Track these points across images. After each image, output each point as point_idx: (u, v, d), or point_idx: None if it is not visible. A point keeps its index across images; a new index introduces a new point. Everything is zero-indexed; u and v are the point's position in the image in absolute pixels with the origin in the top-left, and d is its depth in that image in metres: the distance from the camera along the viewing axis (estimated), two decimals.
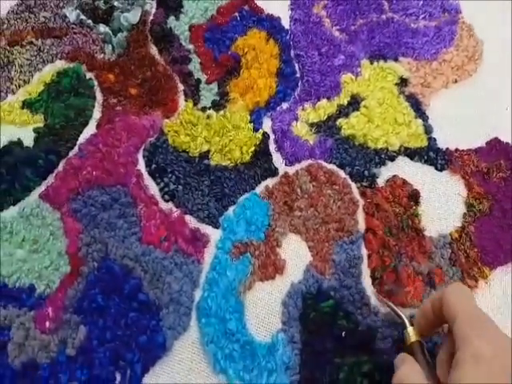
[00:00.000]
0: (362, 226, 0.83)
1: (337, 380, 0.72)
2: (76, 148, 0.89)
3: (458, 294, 0.63)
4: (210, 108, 0.95)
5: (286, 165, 0.90)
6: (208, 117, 0.93)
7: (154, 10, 1.06)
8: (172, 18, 1.05)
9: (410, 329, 0.70)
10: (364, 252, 0.81)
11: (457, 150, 0.92)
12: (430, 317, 0.67)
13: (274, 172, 0.89)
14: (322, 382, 0.72)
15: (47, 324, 0.74)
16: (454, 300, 0.62)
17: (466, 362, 0.54)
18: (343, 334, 0.74)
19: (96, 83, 0.96)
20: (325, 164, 0.89)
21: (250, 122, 0.93)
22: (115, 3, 1.04)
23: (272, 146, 0.92)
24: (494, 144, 0.93)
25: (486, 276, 0.80)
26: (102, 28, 1.02)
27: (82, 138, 0.90)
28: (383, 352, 0.73)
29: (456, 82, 1.00)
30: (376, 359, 0.73)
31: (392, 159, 0.90)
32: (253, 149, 0.90)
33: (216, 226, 0.83)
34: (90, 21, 1.03)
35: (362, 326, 0.75)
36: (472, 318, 0.59)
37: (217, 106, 0.96)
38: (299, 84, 0.99)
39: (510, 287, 0.81)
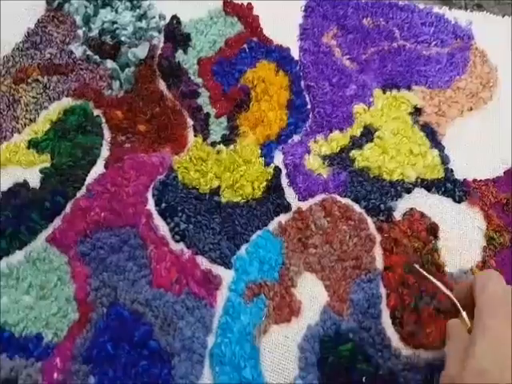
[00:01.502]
0: (379, 263, 0.81)
1: None
2: (84, 188, 0.87)
3: (486, 279, 0.63)
4: (219, 143, 0.93)
5: (299, 200, 0.88)
6: (218, 152, 0.91)
7: (161, 45, 1.05)
8: (180, 51, 1.04)
9: (465, 313, 0.67)
10: (383, 291, 0.78)
11: (475, 180, 0.90)
12: (462, 302, 0.66)
13: (286, 208, 0.87)
14: None
15: (55, 375, 0.71)
16: (481, 284, 0.62)
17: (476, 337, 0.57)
18: (364, 379, 0.70)
19: (104, 120, 0.95)
20: (339, 198, 0.87)
21: (261, 156, 0.91)
22: (122, 38, 1.03)
23: (284, 181, 0.90)
24: None
25: None
26: (110, 64, 1.01)
27: (89, 178, 0.88)
28: None
29: (471, 109, 0.98)
30: None
31: (408, 191, 0.88)
32: (264, 184, 0.88)
33: (228, 266, 0.81)
34: (96, 56, 1.02)
35: (382, 370, 0.72)
36: (490, 300, 0.60)
37: (227, 140, 0.94)
38: (310, 116, 0.97)
39: None
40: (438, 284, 0.73)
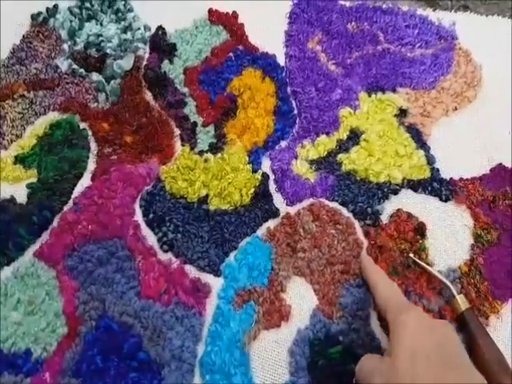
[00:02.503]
0: None
1: None
2: (71, 202, 0.87)
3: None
4: (207, 151, 0.93)
5: (287, 205, 0.88)
6: (206, 160, 0.91)
7: (147, 55, 1.05)
8: (166, 61, 1.04)
9: (460, 296, 0.72)
10: (370, 295, 0.77)
11: (461, 179, 0.90)
12: None
13: (275, 213, 0.87)
14: None
15: None
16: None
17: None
18: (354, 380, 0.69)
19: (90, 133, 0.95)
20: (327, 202, 0.87)
21: (249, 162, 0.92)
22: (108, 51, 1.04)
23: (272, 187, 0.90)
24: (499, 171, 0.91)
25: (497, 311, 0.77)
26: (95, 76, 1.01)
27: (76, 191, 0.88)
28: None
29: (456, 109, 0.99)
30: None
31: (395, 193, 0.88)
32: (252, 190, 0.88)
33: (217, 274, 0.81)
34: (82, 70, 1.02)
35: None
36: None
37: (214, 148, 0.94)
38: (297, 121, 0.98)
39: None
40: (433, 271, 0.77)
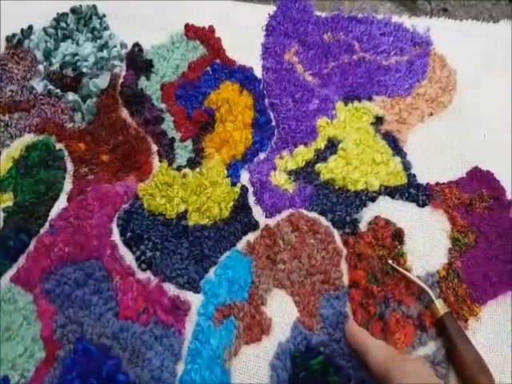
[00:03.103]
0: (346, 278, 0.81)
1: None
2: (47, 224, 0.86)
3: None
4: (185, 166, 0.93)
5: (266, 217, 0.88)
6: (184, 176, 0.91)
7: (123, 73, 1.05)
8: (143, 78, 1.04)
9: (438, 301, 0.74)
10: (348, 308, 0.78)
11: (437, 183, 0.90)
12: None
13: (254, 226, 0.86)
14: None
15: None
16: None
17: None
18: None
19: (66, 153, 0.95)
20: (306, 212, 0.87)
21: (228, 176, 0.91)
22: (84, 69, 1.04)
23: (251, 199, 0.90)
24: (475, 173, 0.91)
25: (476, 313, 0.78)
26: (71, 96, 1.01)
27: (53, 213, 0.88)
28: None
29: (432, 114, 0.99)
30: None
31: (373, 200, 0.89)
32: (232, 204, 0.88)
33: (197, 290, 0.81)
34: (58, 90, 1.02)
35: (354, 380, 0.72)
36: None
37: (192, 163, 0.94)
38: (275, 132, 0.98)
39: (502, 323, 0.79)
40: (412, 277, 0.77)
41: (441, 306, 0.74)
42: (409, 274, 0.78)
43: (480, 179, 0.90)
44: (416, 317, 0.76)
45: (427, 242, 0.85)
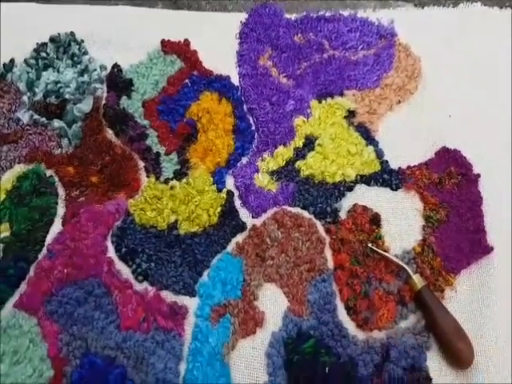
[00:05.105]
0: (330, 263, 0.87)
1: None
2: (44, 249, 0.90)
3: None
4: (172, 178, 0.98)
5: (252, 217, 0.93)
6: (172, 187, 0.96)
7: (105, 94, 1.09)
8: (124, 97, 1.09)
9: (415, 276, 0.81)
10: (335, 288, 0.84)
11: (408, 167, 0.96)
12: None
13: (242, 227, 0.92)
14: None
15: None
16: None
17: None
18: (327, 369, 0.77)
19: (57, 179, 0.99)
20: (289, 209, 0.93)
21: (214, 183, 0.96)
22: (67, 96, 1.08)
23: (237, 202, 0.95)
24: (443, 153, 0.97)
25: (451, 283, 0.84)
26: (57, 123, 1.05)
27: (49, 238, 0.92)
28: (366, 378, 0.77)
29: (400, 102, 1.05)
30: None
31: (350, 189, 0.95)
32: (219, 209, 0.93)
33: (193, 294, 0.86)
34: (43, 119, 1.06)
35: (343, 358, 0.79)
36: None
37: (179, 174, 0.98)
38: (255, 136, 1.03)
39: (477, 289, 0.85)
40: (390, 256, 0.84)
41: (418, 281, 0.81)
42: (387, 254, 0.85)
43: (448, 158, 0.95)
44: (396, 292, 0.83)
45: (402, 223, 0.91)
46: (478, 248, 0.86)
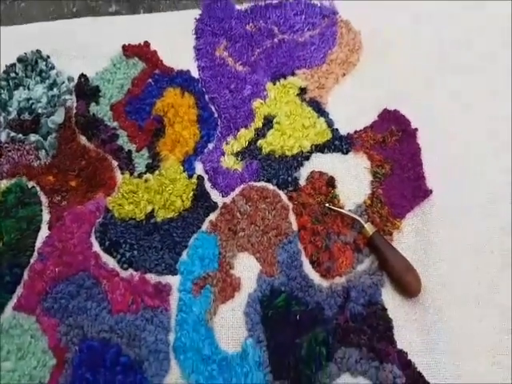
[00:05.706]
0: (294, 226, 0.95)
1: (300, 357, 0.84)
2: (35, 254, 0.97)
3: None
4: (145, 172, 1.04)
5: (222, 196, 1.00)
6: (146, 180, 1.03)
7: (75, 104, 1.15)
8: (93, 104, 1.14)
9: (367, 224, 0.91)
10: (300, 246, 0.93)
11: (356, 131, 1.05)
12: None
13: (214, 207, 0.99)
14: (288, 365, 0.84)
15: None
16: None
17: None
18: (297, 317, 0.87)
19: (38, 189, 1.05)
20: (255, 184, 1.00)
21: (184, 171, 1.03)
22: (39, 111, 1.13)
23: (208, 185, 1.02)
24: (384, 115, 1.06)
25: (398, 227, 0.94)
26: (33, 137, 1.10)
27: (38, 243, 0.98)
28: (332, 318, 0.87)
29: (344, 75, 1.13)
30: (327, 326, 0.86)
31: (307, 159, 1.03)
32: (192, 194, 1.00)
33: (175, 273, 0.93)
34: (20, 135, 1.11)
35: (311, 305, 0.88)
36: None
37: (151, 168, 1.05)
38: (219, 123, 1.09)
39: (420, 228, 0.95)
40: (345, 212, 0.94)
41: (370, 228, 0.90)
42: (342, 210, 0.94)
43: (389, 118, 1.05)
44: (353, 242, 0.92)
45: (354, 181, 1.00)
46: (419, 193, 0.96)
